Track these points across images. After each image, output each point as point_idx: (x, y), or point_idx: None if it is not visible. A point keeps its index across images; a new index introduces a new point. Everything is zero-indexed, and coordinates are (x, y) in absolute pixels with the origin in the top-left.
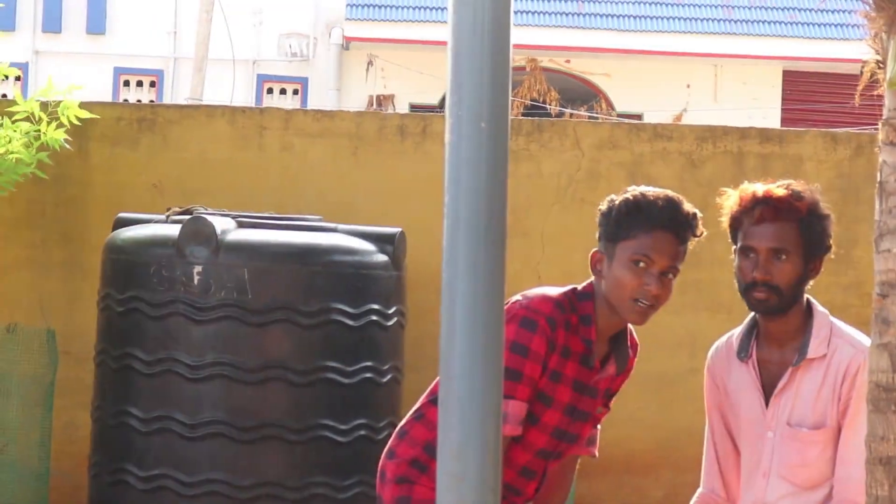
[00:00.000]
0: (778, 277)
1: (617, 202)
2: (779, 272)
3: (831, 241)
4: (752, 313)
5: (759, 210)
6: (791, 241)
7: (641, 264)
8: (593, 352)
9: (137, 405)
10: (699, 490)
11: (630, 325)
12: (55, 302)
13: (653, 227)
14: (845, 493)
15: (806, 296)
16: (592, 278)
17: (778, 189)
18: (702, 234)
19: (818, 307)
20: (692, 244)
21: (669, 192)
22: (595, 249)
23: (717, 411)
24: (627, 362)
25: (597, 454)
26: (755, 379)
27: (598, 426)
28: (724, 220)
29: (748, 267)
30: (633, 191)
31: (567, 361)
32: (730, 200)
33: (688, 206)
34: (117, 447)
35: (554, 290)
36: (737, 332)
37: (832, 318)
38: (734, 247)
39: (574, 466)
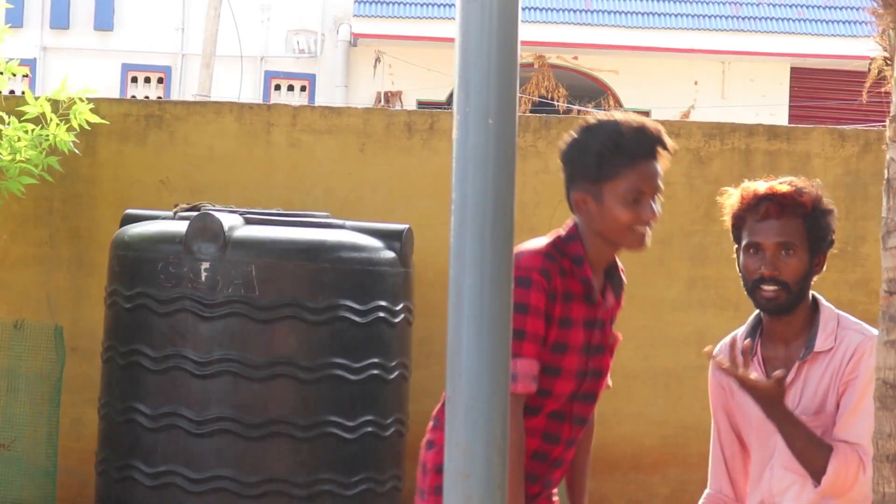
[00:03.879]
0: (785, 273)
1: (590, 143)
2: (786, 267)
3: (834, 236)
4: (756, 312)
5: (764, 206)
6: (797, 236)
7: (635, 199)
8: (594, 288)
9: (145, 401)
10: (706, 491)
11: (620, 265)
12: (63, 298)
13: (635, 161)
14: (840, 437)
15: (811, 292)
16: (573, 218)
17: (781, 185)
18: (674, 148)
19: (824, 302)
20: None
21: (631, 118)
22: (576, 192)
23: (723, 412)
24: (622, 286)
25: (610, 384)
26: (761, 377)
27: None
28: (727, 220)
29: (755, 264)
30: (598, 126)
31: (572, 305)
32: (731, 199)
33: (652, 125)
34: (124, 443)
35: (540, 242)
36: (740, 331)
37: (839, 312)
38: (736, 246)
39: (593, 421)
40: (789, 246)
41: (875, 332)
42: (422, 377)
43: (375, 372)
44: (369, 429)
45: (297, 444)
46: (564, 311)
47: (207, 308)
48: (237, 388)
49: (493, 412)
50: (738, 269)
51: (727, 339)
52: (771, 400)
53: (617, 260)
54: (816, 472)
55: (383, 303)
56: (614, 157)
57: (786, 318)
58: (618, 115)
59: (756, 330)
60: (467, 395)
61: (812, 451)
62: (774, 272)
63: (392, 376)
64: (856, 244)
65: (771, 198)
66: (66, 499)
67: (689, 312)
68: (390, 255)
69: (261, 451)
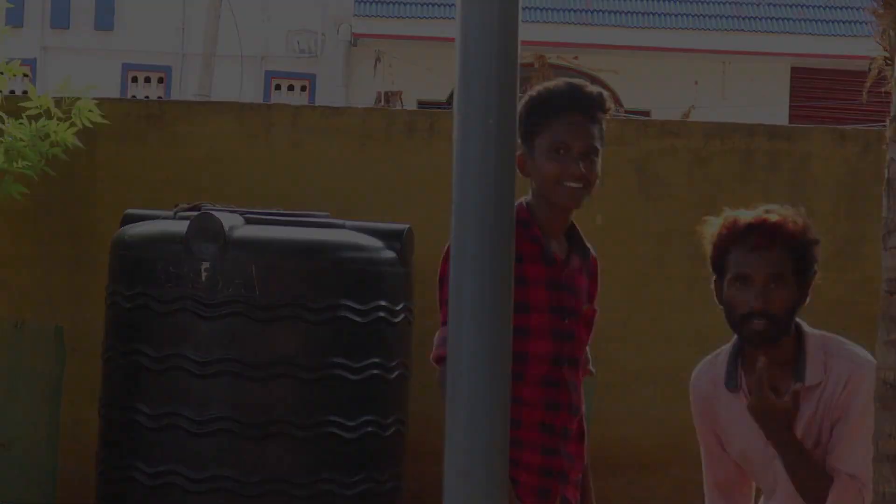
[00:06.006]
0: (776, 305)
1: (524, 102)
2: (777, 299)
3: (818, 267)
4: (736, 339)
5: (753, 237)
6: (787, 267)
7: (560, 151)
8: (547, 247)
9: (145, 401)
10: None
11: (582, 235)
12: (63, 298)
13: (560, 112)
14: (836, 466)
15: (795, 319)
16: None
17: (769, 214)
18: (609, 109)
19: (806, 328)
20: (607, 122)
21: (570, 80)
22: (518, 153)
23: (712, 435)
24: (588, 253)
25: (594, 370)
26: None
27: (589, 353)
28: (707, 249)
29: (742, 296)
30: (536, 87)
31: (524, 266)
32: (713, 228)
33: (591, 88)
34: (125, 443)
35: None
36: (720, 357)
37: (823, 334)
38: (715, 277)
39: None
40: (780, 277)
41: (865, 355)
42: (422, 377)
43: (376, 372)
44: (369, 429)
45: (298, 444)
46: (516, 271)
47: (207, 308)
48: (237, 388)
49: (493, 412)
50: (717, 301)
51: (705, 364)
52: (779, 423)
53: (576, 226)
54: (815, 501)
55: (384, 303)
56: (539, 109)
57: (771, 347)
58: (562, 79)
59: (737, 359)
60: (467, 395)
61: (814, 482)
62: (766, 305)
63: (392, 376)
64: (856, 244)
65: (761, 228)
66: (66, 499)
67: (689, 312)
68: (391, 254)
69: (261, 450)
